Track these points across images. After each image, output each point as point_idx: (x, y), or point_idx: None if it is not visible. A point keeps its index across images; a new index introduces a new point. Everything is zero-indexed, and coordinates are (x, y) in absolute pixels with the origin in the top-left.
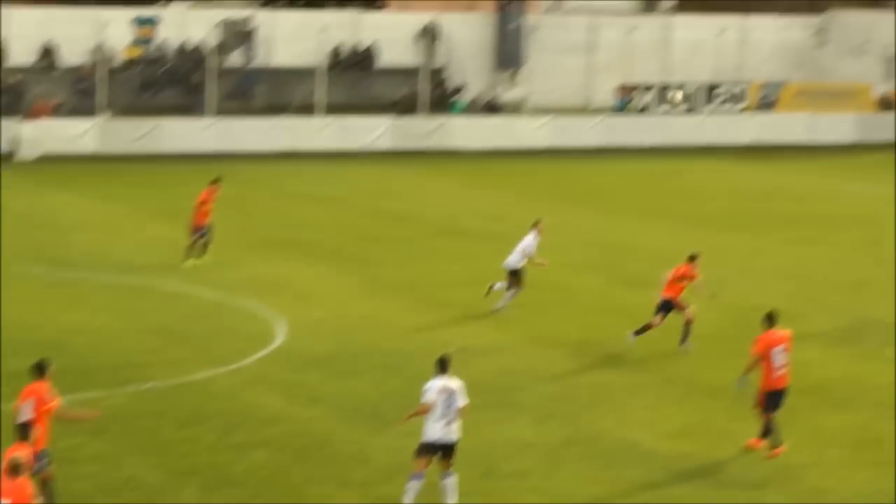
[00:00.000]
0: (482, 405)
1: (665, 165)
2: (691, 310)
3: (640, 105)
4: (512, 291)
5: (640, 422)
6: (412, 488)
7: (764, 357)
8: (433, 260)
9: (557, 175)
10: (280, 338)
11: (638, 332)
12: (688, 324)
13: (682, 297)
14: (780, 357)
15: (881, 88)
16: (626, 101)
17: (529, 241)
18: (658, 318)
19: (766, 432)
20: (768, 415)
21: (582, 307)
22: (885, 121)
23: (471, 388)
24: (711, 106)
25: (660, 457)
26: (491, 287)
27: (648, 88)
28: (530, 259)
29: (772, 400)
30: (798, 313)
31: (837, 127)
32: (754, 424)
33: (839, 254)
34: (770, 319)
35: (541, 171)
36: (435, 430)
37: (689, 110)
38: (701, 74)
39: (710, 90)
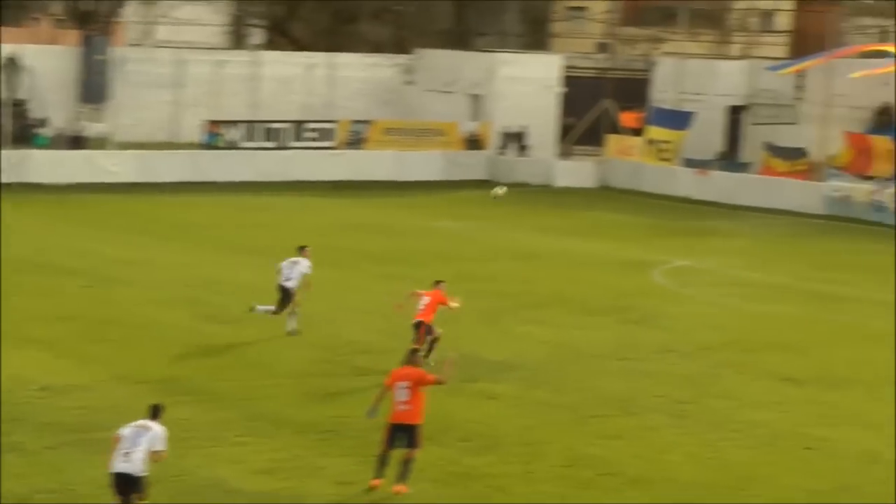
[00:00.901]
0: (65, 444)
1: (252, 200)
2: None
3: (229, 140)
4: (280, 308)
5: (227, 459)
6: None
7: (389, 390)
8: (16, 295)
9: (143, 210)
10: None
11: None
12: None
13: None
14: (401, 393)
15: (468, 126)
16: (214, 136)
17: (305, 263)
18: (419, 340)
19: (381, 464)
20: (384, 447)
21: (167, 343)
22: (472, 158)
23: (54, 428)
24: (301, 143)
25: (246, 494)
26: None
27: (237, 123)
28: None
29: (391, 434)
30: (388, 349)
31: (426, 164)
32: (343, 461)
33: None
34: (410, 354)
35: (126, 205)
36: (115, 460)
37: (279, 147)
38: (290, 111)
39: (300, 126)
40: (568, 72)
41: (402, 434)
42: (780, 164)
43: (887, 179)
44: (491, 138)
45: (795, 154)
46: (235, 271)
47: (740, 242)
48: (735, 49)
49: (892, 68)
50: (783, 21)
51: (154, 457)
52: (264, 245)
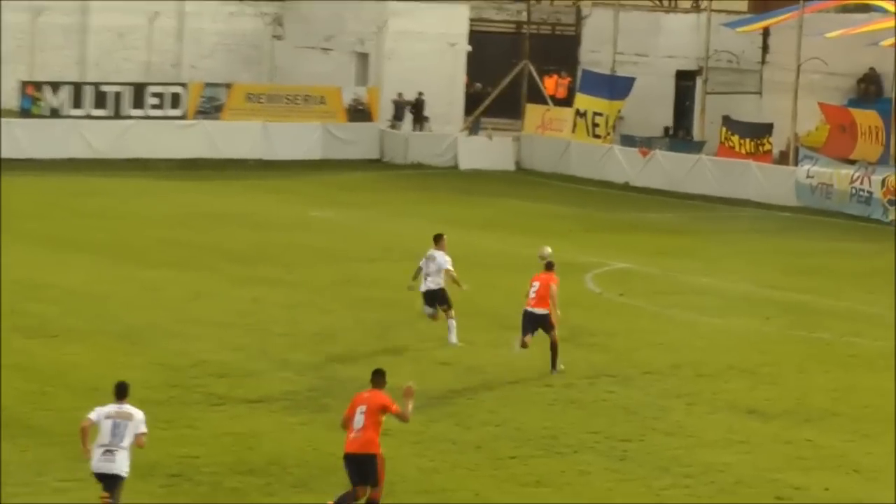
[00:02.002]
0: None
1: (81, 183)
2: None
3: (50, 107)
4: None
5: None
6: None
7: (349, 419)
8: None
9: None
10: None
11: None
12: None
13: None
14: (359, 419)
15: (352, 92)
16: (32, 101)
17: (442, 255)
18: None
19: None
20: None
21: None
22: (357, 132)
23: None
24: (141, 110)
25: None
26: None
27: (60, 85)
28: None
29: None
30: (251, 372)
31: (300, 139)
32: None
33: (304, 297)
34: (376, 375)
35: None
36: (95, 457)
37: (114, 115)
38: (128, 71)
39: (140, 90)
40: (476, 26)
41: (359, 467)
42: (741, 143)
43: (873, 163)
44: (381, 108)
45: (760, 131)
46: (61, 273)
47: (692, 240)
48: None
49: (877, 25)
50: None
51: (138, 440)
52: (97, 240)
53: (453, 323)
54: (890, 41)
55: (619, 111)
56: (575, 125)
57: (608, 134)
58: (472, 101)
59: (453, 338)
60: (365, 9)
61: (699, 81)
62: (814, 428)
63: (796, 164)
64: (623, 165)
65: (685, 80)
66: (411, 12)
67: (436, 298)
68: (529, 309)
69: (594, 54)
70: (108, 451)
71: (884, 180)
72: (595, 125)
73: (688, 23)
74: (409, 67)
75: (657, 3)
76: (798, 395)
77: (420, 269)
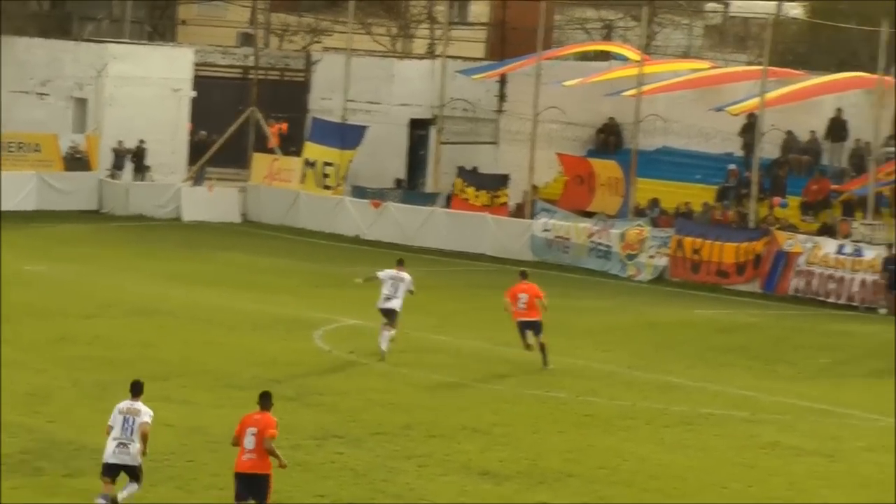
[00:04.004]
0: None
1: None
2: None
3: None
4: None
5: None
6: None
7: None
8: None
9: None
10: None
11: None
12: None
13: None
14: (249, 440)
15: (69, 139)
16: None
17: (407, 276)
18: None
19: None
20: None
21: None
22: (74, 182)
23: None
24: None
25: None
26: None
27: None
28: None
29: (238, 485)
30: None
31: (12, 188)
32: None
33: (16, 356)
34: (263, 397)
35: None
36: (108, 450)
37: None
38: None
39: None
40: (202, 70)
41: (250, 487)
42: (476, 194)
43: (612, 216)
44: (100, 156)
45: (496, 182)
46: None
47: (426, 296)
48: (419, 46)
49: (617, 73)
50: (480, 11)
51: (142, 428)
52: None
53: (394, 334)
54: (632, 91)
55: (351, 161)
56: (304, 175)
57: (339, 185)
58: (196, 150)
59: (385, 346)
60: (84, 51)
61: (433, 130)
62: (548, 490)
63: (533, 216)
64: (354, 218)
65: (419, 129)
66: (133, 55)
67: (393, 316)
68: (523, 319)
69: (325, 101)
70: (122, 444)
71: (623, 234)
72: (325, 175)
73: (422, 70)
74: (131, 114)
75: (391, 48)
76: (532, 456)
77: (377, 279)
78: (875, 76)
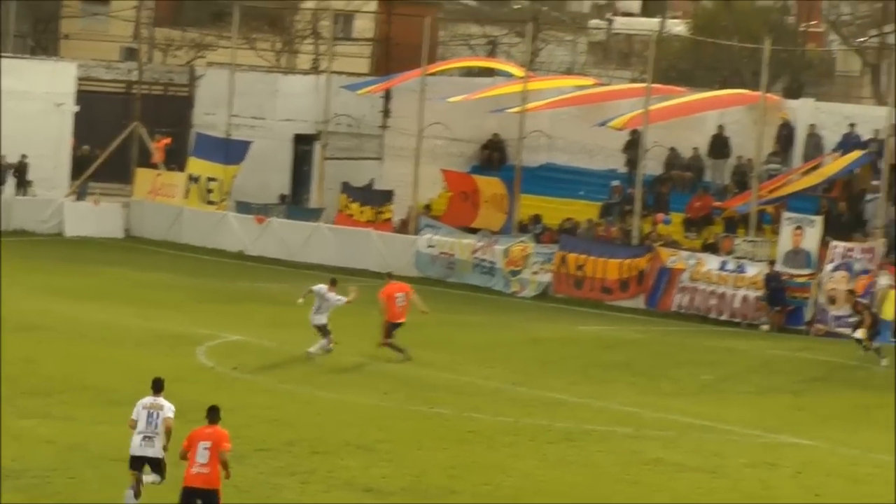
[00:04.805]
0: None
1: None
2: None
3: None
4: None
5: None
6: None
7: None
8: None
9: None
10: None
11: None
12: None
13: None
14: (202, 454)
15: None
16: None
17: (333, 296)
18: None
19: None
20: None
21: None
22: None
23: None
24: None
25: None
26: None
27: None
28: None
29: (184, 500)
30: None
31: None
32: None
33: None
34: (211, 411)
35: None
36: (134, 443)
37: None
38: None
39: None
40: (84, 85)
41: (198, 501)
42: (360, 210)
43: (496, 233)
44: None
45: (380, 198)
46: None
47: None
48: (303, 61)
49: (502, 90)
50: (365, 27)
51: (166, 423)
52: None
53: (329, 346)
54: (516, 108)
55: (235, 176)
56: (188, 191)
57: (223, 200)
58: (79, 165)
59: (314, 349)
60: None
61: (318, 146)
62: None
63: (417, 232)
64: (238, 233)
65: (304, 145)
66: (14, 69)
67: (321, 330)
68: (398, 321)
69: (209, 116)
70: (147, 438)
71: (506, 250)
72: (209, 191)
73: (307, 85)
74: (12, 128)
75: (275, 63)
76: (416, 473)
77: (312, 295)
78: (757, 93)
